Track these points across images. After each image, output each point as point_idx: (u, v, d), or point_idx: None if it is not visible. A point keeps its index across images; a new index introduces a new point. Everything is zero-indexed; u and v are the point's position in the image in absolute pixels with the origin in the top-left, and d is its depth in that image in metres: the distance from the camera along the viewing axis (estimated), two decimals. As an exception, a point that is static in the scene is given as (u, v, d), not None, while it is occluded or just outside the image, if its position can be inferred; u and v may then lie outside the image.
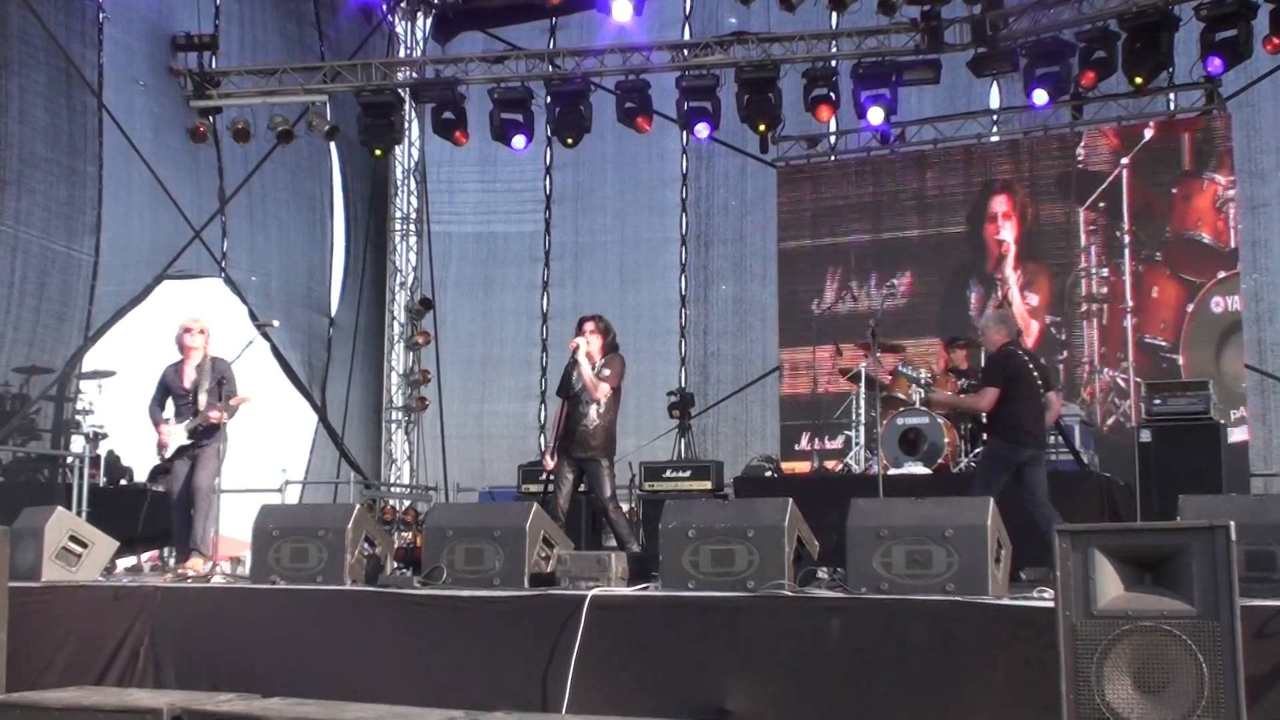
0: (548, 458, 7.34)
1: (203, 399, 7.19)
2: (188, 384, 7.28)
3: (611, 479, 7.23)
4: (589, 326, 7.25)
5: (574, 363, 7.19)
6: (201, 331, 7.34)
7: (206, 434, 7.26)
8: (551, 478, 7.29)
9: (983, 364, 7.89)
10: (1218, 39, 10.27)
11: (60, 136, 11.85)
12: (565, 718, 4.74)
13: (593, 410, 7.11)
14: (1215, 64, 10.40)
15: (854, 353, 10.11)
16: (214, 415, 7.13)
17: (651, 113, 12.47)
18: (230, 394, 7.25)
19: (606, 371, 7.16)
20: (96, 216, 12.16)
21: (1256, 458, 11.76)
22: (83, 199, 12.06)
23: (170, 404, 7.38)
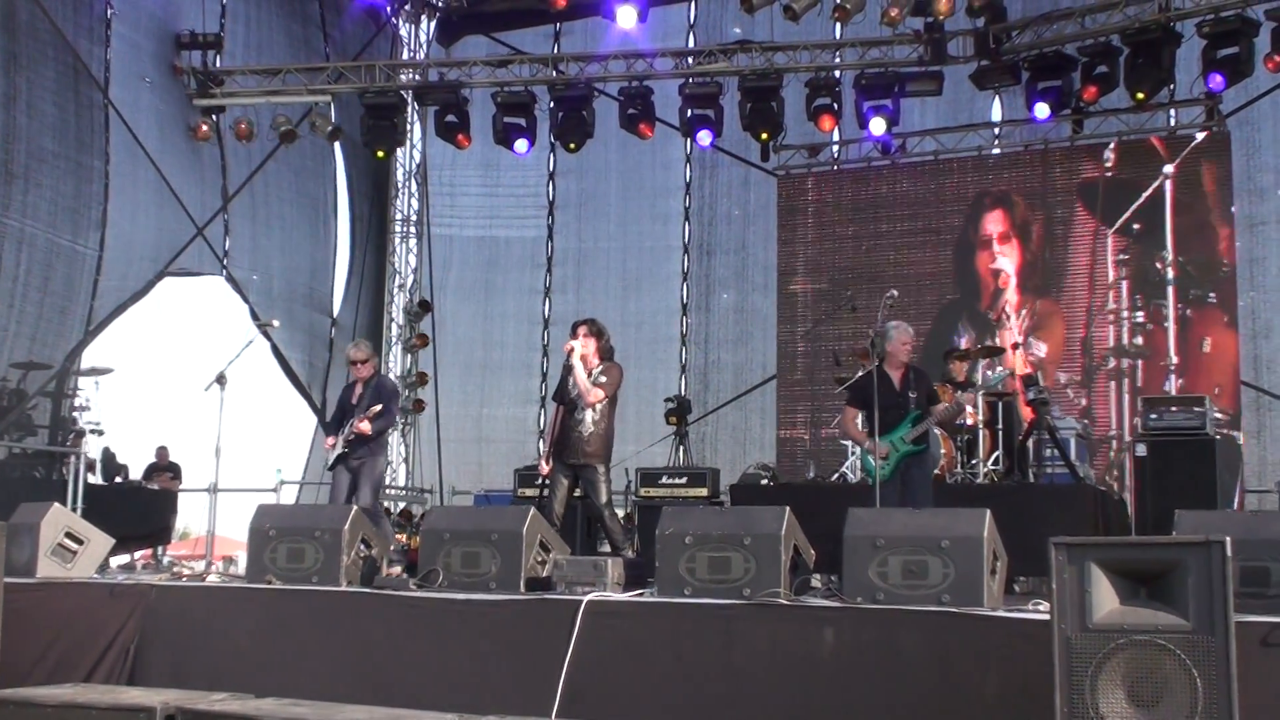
0: (544, 463, 7.33)
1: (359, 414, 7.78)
2: (355, 400, 7.93)
3: (607, 485, 7.21)
4: (582, 330, 7.21)
5: (569, 367, 7.18)
6: (364, 361, 8.04)
7: (360, 445, 7.77)
8: (547, 483, 7.28)
9: (913, 376, 7.40)
10: (1219, 56, 10.30)
11: (68, 131, 11.89)
12: (558, 722, 4.74)
13: (589, 416, 7.08)
14: (1217, 80, 10.41)
15: (851, 362, 10.12)
16: (359, 426, 7.64)
17: (654, 119, 12.50)
18: (392, 409, 7.93)
19: (603, 379, 7.13)
20: (102, 211, 12.20)
21: (1251, 474, 11.74)
22: (89, 194, 12.10)
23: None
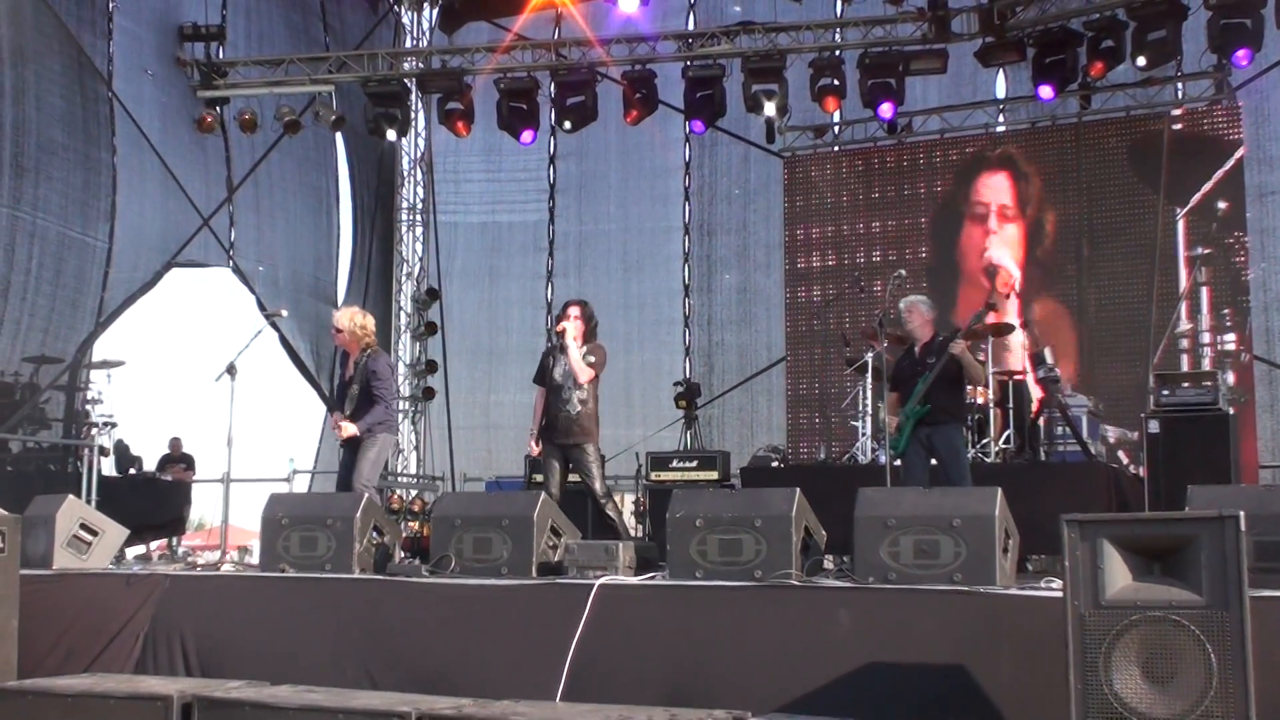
0: (533, 445, 7.33)
1: (351, 397, 7.21)
2: (346, 378, 7.39)
3: (599, 467, 7.21)
4: (574, 311, 7.24)
5: (553, 349, 7.24)
6: (338, 330, 7.30)
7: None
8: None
9: (927, 345, 7.17)
10: (1230, 28, 10.20)
11: (76, 124, 11.92)
12: (571, 705, 4.75)
13: (576, 396, 7.11)
14: (1241, 55, 10.23)
15: (860, 343, 10.11)
16: (342, 432, 7.10)
17: (658, 103, 12.47)
18: (379, 395, 7.13)
19: (591, 359, 7.17)
20: (111, 203, 12.24)
21: (1265, 449, 11.71)
22: (98, 185, 12.16)
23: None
